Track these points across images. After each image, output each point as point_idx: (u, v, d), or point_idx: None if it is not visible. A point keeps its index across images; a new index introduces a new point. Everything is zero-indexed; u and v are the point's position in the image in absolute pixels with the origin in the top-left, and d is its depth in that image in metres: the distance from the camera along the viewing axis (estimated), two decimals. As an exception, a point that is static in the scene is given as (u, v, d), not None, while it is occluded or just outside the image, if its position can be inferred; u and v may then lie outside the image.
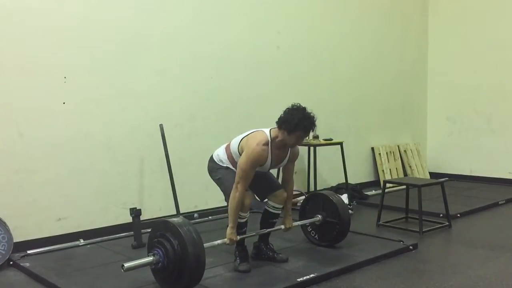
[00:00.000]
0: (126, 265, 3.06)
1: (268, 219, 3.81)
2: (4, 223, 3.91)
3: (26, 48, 4.13)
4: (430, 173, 7.71)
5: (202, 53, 5.22)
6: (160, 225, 3.27)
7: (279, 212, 3.82)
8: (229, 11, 5.45)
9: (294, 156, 3.71)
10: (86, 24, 4.42)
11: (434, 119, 7.97)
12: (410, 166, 7.44)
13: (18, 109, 4.10)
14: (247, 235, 3.69)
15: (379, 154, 7.17)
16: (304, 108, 3.48)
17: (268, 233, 3.86)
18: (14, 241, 3.91)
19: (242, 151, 3.50)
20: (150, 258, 3.15)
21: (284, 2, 5.99)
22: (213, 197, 5.14)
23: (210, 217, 5.14)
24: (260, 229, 3.84)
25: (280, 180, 3.95)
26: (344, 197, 5.71)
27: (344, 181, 6.05)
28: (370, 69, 7.06)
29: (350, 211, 5.45)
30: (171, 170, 4.69)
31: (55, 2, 4.26)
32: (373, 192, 6.51)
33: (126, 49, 4.67)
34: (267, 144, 3.47)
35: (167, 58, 4.97)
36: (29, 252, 4.06)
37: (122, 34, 4.64)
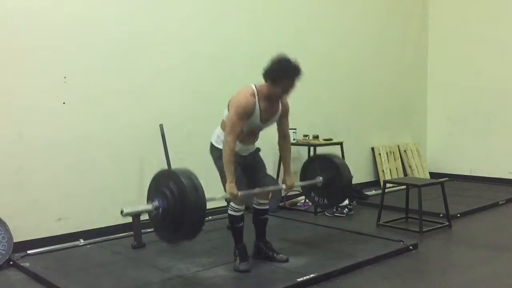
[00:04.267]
0: (125, 210, 3.01)
1: (258, 216, 3.84)
2: (4, 223, 3.91)
3: (26, 48, 4.12)
4: (430, 173, 7.70)
5: (202, 52, 5.21)
6: (161, 175, 3.22)
7: (266, 207, 3.85)
8: (229, 11, 5.44)
9: (285, 110, 3.71)
10: (85, 24, 4.42)
11: (434, 119, 7.97)
12: (410, 166, 7.43)
13: (18, 109, 4.10)
14: (249, 192, 3.60)
15: (379, 154, 7.17)
16: (287, 57, 3.44)
17: (264, 230, 3.87)
18: (14, 241, 3.90)
19: None
20: (150, 206, 3.06)
21: (284, 2, 5.99)
22: (213, 197, 5.13)
23: (210, 217, 5.12)
24: (255, 228, 3.86)
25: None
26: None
27: (344, 181, 6.04)
28: (370, 69, 7.06)
29: (350, 211, 5.48)
30: (171, 170, 4.69)
31: (55, 2, 4.26)
32: (373, 192, 6.50)
33: (126, 49, 4.67)
34: (253, 95, 3.47)
35: (167, 57, 4.97)
36: (29, 252, 4.05)
37: (122, 33, 4.64)
